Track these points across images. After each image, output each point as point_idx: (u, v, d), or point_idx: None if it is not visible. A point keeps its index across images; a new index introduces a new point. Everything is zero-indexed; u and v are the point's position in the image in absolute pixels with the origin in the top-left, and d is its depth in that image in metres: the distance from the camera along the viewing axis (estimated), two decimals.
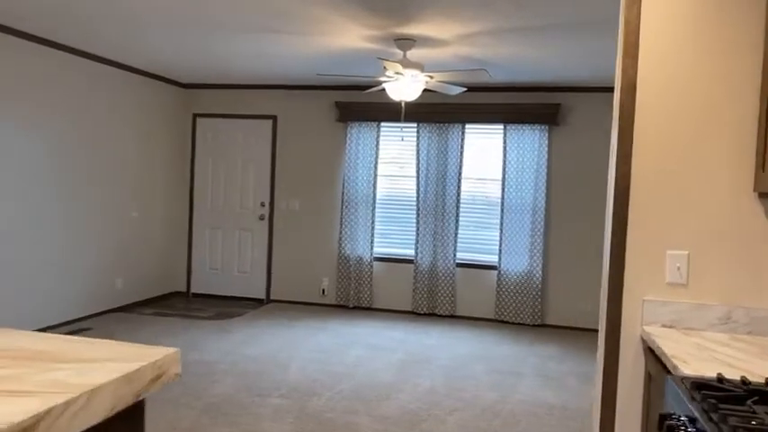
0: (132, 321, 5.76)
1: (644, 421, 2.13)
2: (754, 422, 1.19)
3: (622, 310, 2.16)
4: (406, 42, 4.43)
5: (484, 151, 6.43)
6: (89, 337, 5.14)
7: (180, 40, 4.83)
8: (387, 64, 4.05)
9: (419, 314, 6.51)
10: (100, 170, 5.78)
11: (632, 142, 2.15)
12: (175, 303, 6.70)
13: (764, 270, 2.04)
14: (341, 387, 4.19)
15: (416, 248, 6.50)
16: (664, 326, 2.10)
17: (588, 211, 6.16)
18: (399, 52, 4.61)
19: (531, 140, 6.17)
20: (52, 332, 4.20)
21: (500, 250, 6.30)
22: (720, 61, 2.05)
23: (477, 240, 6.47)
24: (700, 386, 1.43)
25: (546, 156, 6.14)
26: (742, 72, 2.04)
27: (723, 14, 2.05)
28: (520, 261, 6.24)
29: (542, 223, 6.17)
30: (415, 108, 6.36)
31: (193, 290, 7.14)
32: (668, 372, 1.75)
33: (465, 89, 4.80)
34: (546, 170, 6.15)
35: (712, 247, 2.08)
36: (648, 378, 2.10)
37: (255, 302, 6.88)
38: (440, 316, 6.47)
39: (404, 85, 4.45)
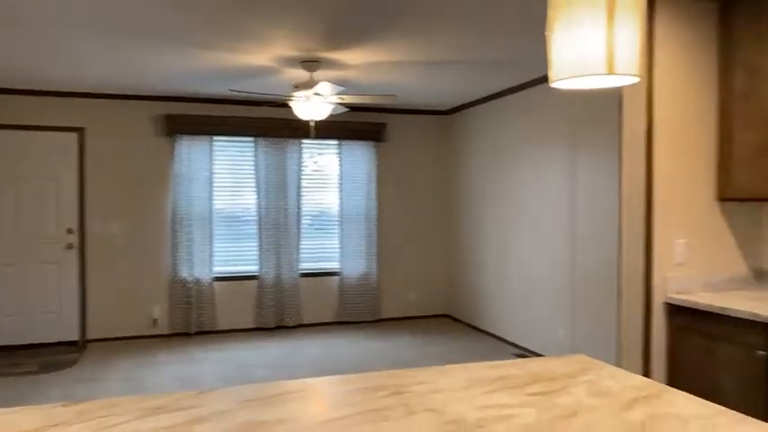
0: None
1: (668, 351, 3.02)
2: None
3: (652, 285, 3.03)
4: (313, 64, 4.60)
5: (321, 165, 6.78)
6: None
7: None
8: (322, 85, 4.20)
9: (266, 329, 6.50)
10: None
11: (652, 169, 3.02)
12: None
13: (725, 246, 3.15)
14: None
15: (260, 264, 6.48)
16: (678, 292, 3.04)
17: (410, 215, 7.08)
18: (305, 73, 4.73)
19: (362, 156, 6.78)
20: None
21: (340, 257, 6.76)
22: (698, 115, 3.08)
23: (319, 249, 6.79)
24: None
25: (375, 169, 6.84)
26: (708, 121, 3.11)
27: (693, 84, 3.07)
28: (358, 265, 6.80)
29: (375, 229, 6.85)
30: (251, 123, 6.34)
31: None
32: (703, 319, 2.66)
33: (348, 109, 5.16)
34: (375, 182, 6.85)
35: (698, 235, 3.10)
36: (671, 327, 3.01)
37: (67, 346, 5.87)
38: (288, 327, 6.58)
39: (314, 105, 4.61)
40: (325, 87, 4.30)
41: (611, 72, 1.14)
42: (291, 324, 6.58)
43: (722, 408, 1.36)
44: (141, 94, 6.02)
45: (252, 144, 6.47)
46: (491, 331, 6.23)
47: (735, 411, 1.34)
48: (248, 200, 6.52)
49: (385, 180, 6.97)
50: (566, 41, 1.17)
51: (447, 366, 1.61)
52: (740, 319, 2.61)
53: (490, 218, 6.24)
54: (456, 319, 7.02)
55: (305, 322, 6.69)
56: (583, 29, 1.13)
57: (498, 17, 3.61)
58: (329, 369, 5.05)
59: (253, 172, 6.48)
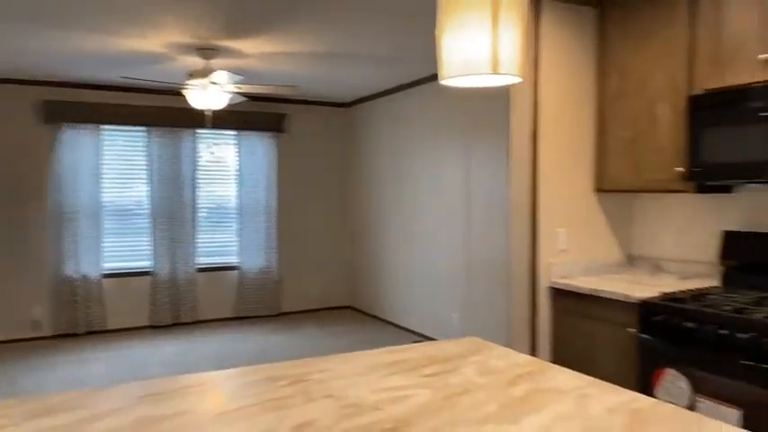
0: None
1: (553, 331, 3.26)
2: (708, 301, 2.43)
3: (537, 270, 3.24)
4: (209, 52, 4.47)
5: (219, 156, 6.59)
6: None
7: None
8: (219, 74, 4.10)
9: (161, 327, 6.26)
10: None
11: (537, 163, 3.23)
12: None
13: (602, 234, 3.43)
14: None
15: (154, 259, 6.21)
16: (561, 277, 3.27)
17: (311, 207, 7.06)
18: (201, 61, 4.58)
19: (261, 147, 6.68)
20: None
21: (239, 250, 6.63)
22: (579, 113, 3.32)
23: (217, 243, 6.62)
24: (668, 297, 2.62)
25: (275, 161, 6.75)
26: (588, 119, 3.36)
27: (575, 85, 3.31)
28: (257, 258, 6.70)
29: (275, 222, 6.77)
30: (143, 111, 6.05)
31: None
32: (579, 300, 2.91)
33: (246, 99, 5.06)
34: (276, 174, 6.76)
35: (579, 224, 3.35)
36: (555, 309, 3.24)
37: None
38: (184, 324, 6.37)
39: (210, 94, 4.48)
40: (221, 76, 4.20)
41: (495, 72, 1.23)
42: (188, 321, 6.38)
43: (595, 380, 1.50)
44: (19, 77, 5.57)
45: (144, 134, 6.17)
46: (392, 321, 6.38)
47: (606, 382, 1.49)
48: (140, 192, 6.23)
49: (285, 171, 6.91)
50: (454, 43, 1.24)
51: (346, 354, 1.66)
52: (614, 300, 2.86)
53: (390, 210, 6.37)
54: (358, 311, 7.11)
55: (202, 318, 6.51)
56: (470, 31, 1.21)
57: (396, 12, 3.69)
58: (228, 365, 4.96)
59: (145, 163, 6.20)
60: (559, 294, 3.21)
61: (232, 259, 6.67)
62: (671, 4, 2.92)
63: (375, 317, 6.72)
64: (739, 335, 2.29)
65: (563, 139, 3.29)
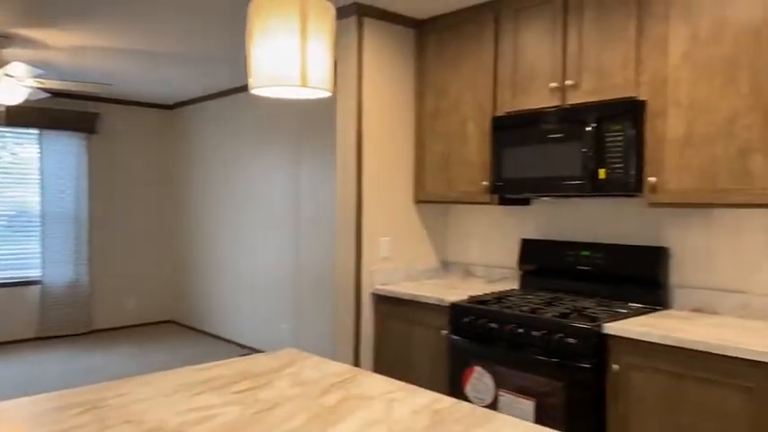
0: None
1: (375, 336, 3.36)
2: (507, 302, 2.69)
3: (361, 277, 3.33)
4: (3, 40, 3.97)
5: (19, 157, 5.84)
6: None
7: None
8: (15, 66, 3.65)
9: None
10: None
11: (361, 175, 3.32)
12: None
13: (421, 242, 3.62)
14: None
15: None
16: (383, 284, 3.39)
17: (129, 214, 6.56)
18: None
19: (69, 148, 6.06)
20: None
21: (43, 263, 5.94)
22: (401, 128, 3.48)
23: (16, 255, 5.86)
24: (475, 300, 2.84)
25: (86, 164, 6.17)
26: (409, 133, 3.53)
27: (396, 101, 3.47)
28: (65, 271, 6.06)
29: (86, 230, 6.18)
30: None
31: None
32: (401, 305, 3.07)
33: (49, 95, 4.55)
34: (86, 178, 6.18)
35: (400, 233, 3.51)
36: (377, 315, 3.35)
37: None
38: None
39: (4, 88, 3.98)
40: (17, 68, 3.74)
41: (304, 85, 1.23)
42: None
43: (404, 384, 1.57)
44: None
45: None
46: (219, 334, 6.14)
47: (413, 385, 1.56)
48: None
49: (98, 176, 6.35)
50: (263, 51, 1.22)
51: (150, 374, 1.55)
52: (429, 304, 3.03)
53: (216, 218, 6.14)
54: (181, 325, 6.74)
55: None
56: (277, 42, 1.21)
57: (219, 12, 3.58)
58: (28, 393, 4.41)
59: None
60: (381, 300, 3.33)
61: (34, 272, 5.96)
62: (479, 31, 3.19)
63: (200, 331, 6.42)
64: (533, 332, 2.54)
65: (386, 151, 3.43)
